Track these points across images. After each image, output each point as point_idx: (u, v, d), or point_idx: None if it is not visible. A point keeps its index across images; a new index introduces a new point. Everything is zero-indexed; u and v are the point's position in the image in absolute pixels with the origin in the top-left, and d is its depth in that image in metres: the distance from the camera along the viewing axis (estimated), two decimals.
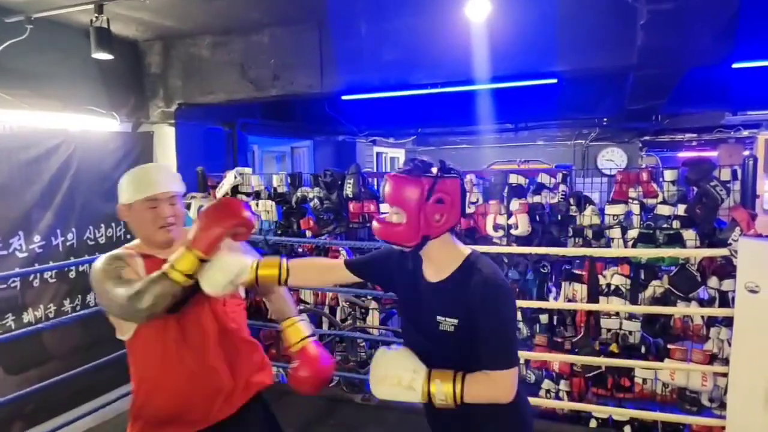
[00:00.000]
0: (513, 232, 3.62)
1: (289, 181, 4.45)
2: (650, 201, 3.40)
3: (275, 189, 4.48)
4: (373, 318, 4.18)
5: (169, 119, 4.50)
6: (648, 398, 3.50)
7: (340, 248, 4.27)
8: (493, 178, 3.85)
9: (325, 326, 4.35)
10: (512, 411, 1.53)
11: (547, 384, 3.68)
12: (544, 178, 3.67)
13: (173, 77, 4.39)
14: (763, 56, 4.22)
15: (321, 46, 3.91)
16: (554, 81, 5.12)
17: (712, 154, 10.93)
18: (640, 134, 8.98)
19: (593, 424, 3.54)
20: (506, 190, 3.73)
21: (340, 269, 1.77)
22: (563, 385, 3.63)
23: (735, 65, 4.30)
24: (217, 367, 1.76)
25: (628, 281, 3.42)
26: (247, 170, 4.52)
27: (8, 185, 3.42)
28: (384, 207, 4.13)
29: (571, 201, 3.58)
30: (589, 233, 3.50)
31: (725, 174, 3.21)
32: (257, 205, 4.49)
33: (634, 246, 3.36)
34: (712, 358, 3.27)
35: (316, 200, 4.27)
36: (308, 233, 4.32)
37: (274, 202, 4.40)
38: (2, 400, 2.98)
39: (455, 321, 1.50)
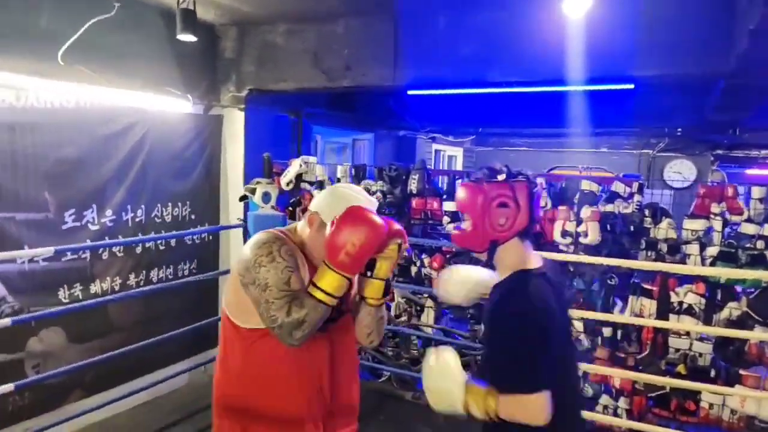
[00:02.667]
0: (582, 240, 3.49)
1: (353, 173, 4.44)
2: (734, 218, 3.20)
3: (339, 180, 4.49)
4: (428, 316, 4.13)
5: (239, 104, 4.57)
6: (713, 424, 3.31)
7: None
8: (564, 184, 3.71)
9: None
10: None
11: (605, 399, 3.55)
12: (618, 187, 3.52)
13: (246, 63, 4.45)
14: None
15: (396, 37, 3.87)
16: (631, 86, 4.91)
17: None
18: (712, 147, 8.54)
19: None
20: (577, 197, 3.60)
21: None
22: (622, 402, 3.49)
23: None
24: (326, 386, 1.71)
25: (703, 300, 3.24)
26: (312, 159, 4.55)
27: (86, 159, 3.54)
28: (447, 205, 4.07)
29: (646, 212, 3.42)
30: (663, 247, 3.33)
31: None
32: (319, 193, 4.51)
33: (713, 264, 3.18)
34: None
35: (379, 193, 4.24)
36: None
37: None
38: (64, 369, 3.09)
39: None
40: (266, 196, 4.22)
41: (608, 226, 3.47)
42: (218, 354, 1.74)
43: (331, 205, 1.59)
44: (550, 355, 1.43)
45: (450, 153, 9.84)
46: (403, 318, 4.17)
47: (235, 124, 4.65)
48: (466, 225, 1.58)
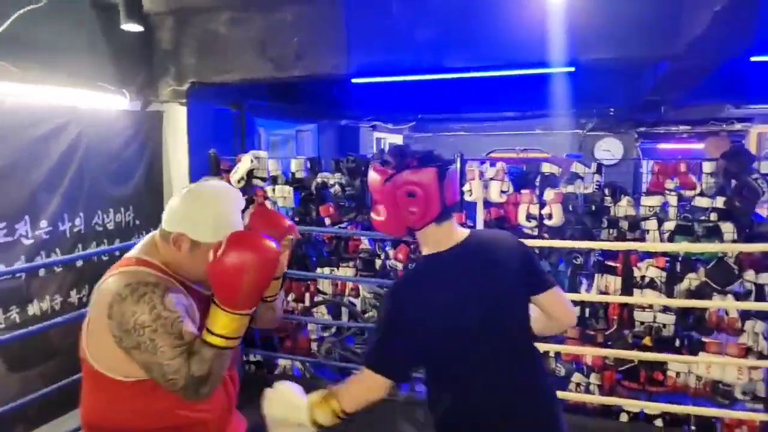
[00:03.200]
0: (547, 222, 3.53)
1: (308, 165, 4.27)
2: (688, 193, 3.35)
3: (293, 174, 4.31)
4: None
5: (180, 98, 4.26)
6: (680, 391, 3.47)
7: (362, 237, 4.14)
8: (525, 167, 3.75)
9: (344, 317, 4.22)
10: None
11: (577, 377, 3.63)
12: (578, 168, 3.59)
13: (186, 54, 4.15)
14: None
15: (348, 23, 3.73)
16: (572, 69, 5.04)
17: (698, 146, 11.09)
18: (636, 125, 9.01)
19: (624, 417, 3.51)
20: (538, 179, 3.64)
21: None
22: (594, 378, 3.59)
23: (754, 58, 4.29)
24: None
25: (664, 273, 3.37)
26: (263, 154, 4.34)
27: (13, 165, 3.16)
28: None
29: (606, 191, 3.50)
30: (624, 225, 3.44)
31: (766, 167, 3.17)
32: (273, 190, 4.31)
33: (671, 238, 3.31)
34: (747, 351, 3.25)
35: (337, 186, 4.11)
36: (327, 221, 4.17)
37: (291, 188, 4.23)
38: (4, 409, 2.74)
39: None
40: None
41: (570, 207, 3.53)
42: (83, 414, 1.45)
43: (195, 218, 1.37)
44: (392, 339, 1.49)
45: (390, 141, 9.79)
46: (370, 313, 4.09)
47: (176, 121, 4.34)
48: (382, 212, 1.52)
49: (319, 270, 4.25)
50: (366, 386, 1.49)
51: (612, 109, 6.97)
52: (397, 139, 10.25)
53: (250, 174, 4.26)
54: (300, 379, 4.20)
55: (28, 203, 3.25)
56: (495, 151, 9.37)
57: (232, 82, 4.10)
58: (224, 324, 1.29)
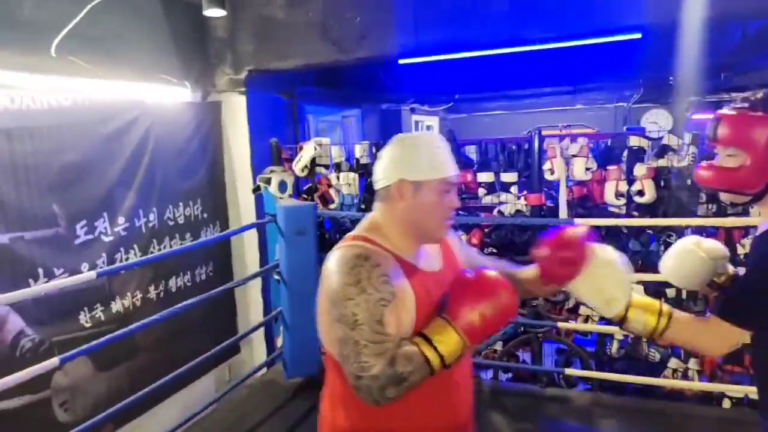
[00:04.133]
0: (638, 199, 3.36)
1: (373, 150, 4.14)
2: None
3: (357, 160, 4.18)
4: None
5: (238, 87, 4.15)
6: None
7: None
8: (610, 141, 3.56)
9: None
10: None
11: (674, 363, 3.47)
12: (671, 140, 3.39)
13: (242, 41, 4.02)
14: None
15: None
16: (639, 35, 4.80)
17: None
18: (685, 94, 8.68)
19: (727, 404, 3.32)
20: (625, 154, 3.46)
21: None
22: (693, 364, 3.42)
23: None
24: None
25: None
26: (326, 140, 4.21)
27: (90, 162, 3.09)
28: (481, 176, 3.85)
29: (704, 164, 3.30)
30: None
31: None
32: (338, 178, 4.20)
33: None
34: None
35: None
36: None
37: (356, 174, 4.11)
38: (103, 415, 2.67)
39: None
40: (283, 185, 3.89)
41: (662, 182, 3.34)
42: (326, 390, 1.42)
43: (409, 159, 1.29)
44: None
45: (427, 123, 9.61)
46: None
47: (234, 110, 4.23)
48: (733, 162, 1.31)
49: None
50: (721, 338, 1.30)
51: (671, 78, 6.63)
52: (434, 121, 10.06)
53: (312, 162, 4.15)
54: None
55: (105, 200, 3.19)
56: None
57: (292, 68, 3.96)
58: (447, 340, 1.19)
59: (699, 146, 3.33)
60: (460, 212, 4.14)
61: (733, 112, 1.33)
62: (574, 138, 3.55)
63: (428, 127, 9.71)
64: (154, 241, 3.53)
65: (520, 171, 3.67)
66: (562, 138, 3.62)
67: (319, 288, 1.30)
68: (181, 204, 3.76)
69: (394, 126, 7.78)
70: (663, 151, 3.40)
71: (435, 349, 1.17)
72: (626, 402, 3.34)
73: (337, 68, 5.59)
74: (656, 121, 8.77)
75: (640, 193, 3.33)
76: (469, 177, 3.79)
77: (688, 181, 3.31)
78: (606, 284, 1.33)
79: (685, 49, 5.77)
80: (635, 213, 3.41)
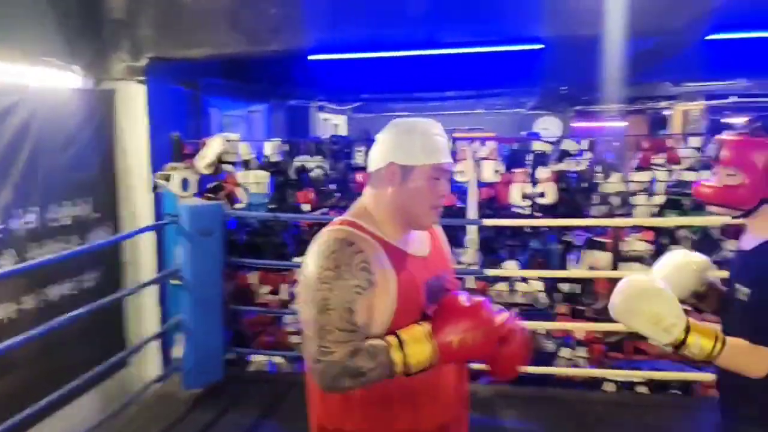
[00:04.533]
0: (540, 201, 3.54)
1: (286, 149, 4.02)
2: (675, 167, 3.46)
3: (268, 158, 4.03)
4: None
5: (136, 75, 3.84)
6: (662, 359, 3.64)
7: None
8: (517, 146, 3.72)
9: None
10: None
11: (564, 352, 3.70)
12: (569, 145, 3.61)
13: (143, 25, 3.72)
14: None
15: None
16: (541, 47, 5.07)
17: (622, 123, 11.78)
18: (572, 103, 9.36)
19: (609, 387, 3.62)
20: (530, 158, 3.63)
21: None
22: (582, 352, 3.67)
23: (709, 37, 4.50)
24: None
25: (651, 247, 3.48)
26: (234, 136, 4.01)
27: None
28: None
29: (597, 168, 3.56)
30: (615, 200, 3.51)
31: (694, 141, 3.34)
32: (245, 175, 4.03)
33: (660, 213, 3.42)
34: None
35: (318, 170, 3.90)
36: (306, 207, 3.96)
37: (267, 173, 3.97)
38: None
39: (748, 291, 1.43)
40: (186, 183, 3.66)
41: (562, 185, 3.55)
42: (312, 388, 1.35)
43: (401, 143, 1.27)
44: None
45: (335, 121, 9.56)
46: None
47: (130, 101, 3.91)
48: (732, 180, 1.43)
49: (297, 259, 4.04)
50: (761, 361, 1.36)
51: (564, 88, 7.09)
52: (341, 120, 10.03)
53: (219, 159, 3.94)
54: (276, 375, 4.00)
55: None
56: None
57: (198, 58, 3.74)
58: (418, 348, 1.16)
59: (595, 152, 3.59)
60: None
61: (736, 137, 1.45)
62: (483, 141, 3.67)
63: (335, 126, 9.67)
64: (34, 244, 3.15)
65: None
66: (471, 141, 3.73)
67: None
68: (67, 202, 3.41)
69: (302, 123, 7.66)
70: (562, 155, 3.62)
71: (403, 350, 1.16)
72: (525, 391, 3.50)
73: (245, 61, 5.37)
74: (547, 127, 9.37)
75: (543, 195, 3.52)
76: None
77: (585, 184, 3.55)
78: (662, 311, 1.36)
79: (580, 62, 6.21)
80: (537, 213, 3.59)
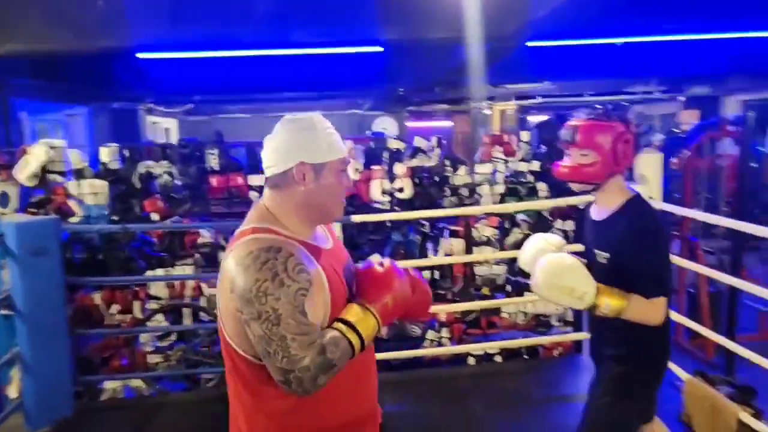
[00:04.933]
0: (399, 195, 3.71)
1: (126, 155, 3.66)
2: (510, 159, 3.88)
3: (104, 165, 3.64)
4: None
5: None
6: (512, 329, 4.05)
7: (202, 231, 3.74)
8: (373, 144, 3.85)
9: (187, 321, 3.78)
10: (657, 335, 1.72)
11: (431, 334, 3.94)
12: (420, 142, 3.83)
13: None
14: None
15: None
16: (380, 49, 5.30)
17: (448, 123, 12.87)
18: (407, 104, 9.92)
19: (471, 361, 3.94)
20: (386, 155, 3.78)
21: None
22: (445, 332, 3.94)
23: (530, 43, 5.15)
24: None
25: (497, 231, 3.86)
26: (59, 143, 3.56)
27: None
28: (253, 179, 3.75)
29: (447, 163, 3.83)
30: (464, 192, 3.82)
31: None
32: (79, 186, 3.58)
33: (502, 200, 3.80)
34: None
35: (166, 176, 3.62)
36: (155, 216, 3.65)
37: (105, 182, 3.57)
38: None
39: (607, 255, 1.69)
40: (4, 198, 3.18)
41: (417, 180, 3.76)
42: (237, 412, 1.31)
43: (307, 142, 1.25)
44: (669, 262, 1.72)
45: (165, 125, 8.90)
46: None
47: None
48: (586, 160, 1.65)
49: (150, 273, 3.71)
50: (656, 311, 1.61)
51: (401, 90, 7.48)
52: (172, 124, 9.39)
53: (43, 168, 3.46)
54: (135, 399, 3.65)
55: None
56: None
57: (13, 53, 3.22)
58: (367, 323, 1.23)
59: (442, 148, 3.86)
60: (229, 218, 3.97)
61: (585, 122, 1.67)
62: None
63: (166, 130, 9.02)
64: None
65: None
66: None
67: (219, 288, 1.23)
68: None
69: (129, 127, 7.02)
70: (415, 152, 3.83)
71: (356, 332, 1.20)
72: (397, 376, 3.67)
73: (60, 58, 4.76)
74: (385, 127, 9.81)
75: (401, 189, 3.69)
76: (240, 180, 3.66)
77: (436, 178, 3.80)
78: (574, 283, 1.56)
79: (417, 65, 6.62)
80: (397, 208, 3.76)
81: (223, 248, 3.77)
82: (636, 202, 1.71)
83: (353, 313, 1.23)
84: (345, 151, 1.33)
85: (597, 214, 1.79)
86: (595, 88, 9.91)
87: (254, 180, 3.71)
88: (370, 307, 1.24)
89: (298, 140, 1.25)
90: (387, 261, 1.35)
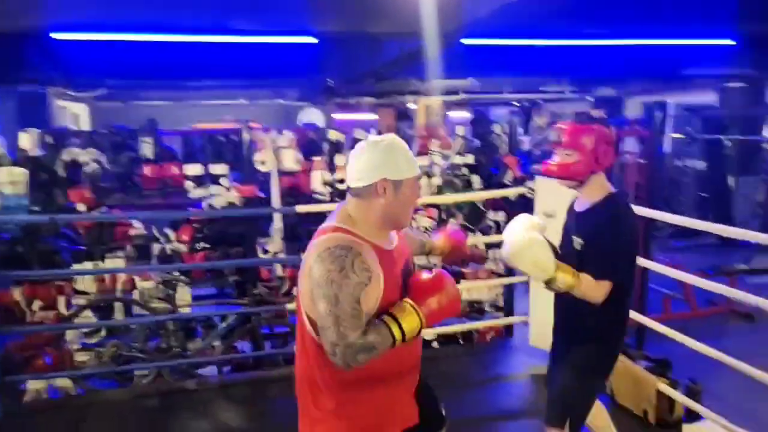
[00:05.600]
0: (340, 186, 3.74)
1: (48, 141, 3.42)
2: (446, 152, 4.03)
3: (24, 152, 3.39)
4: (184, 294, 3.70)
5: None
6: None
7: (134, 222, 3.59)
8: (313, 135, 3.85)
9: (119, 315, 3.61)
10: (616, 318, 1.92)
11: None
12: (360, 134, 3.88)
13: None
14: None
15: None
16: (315, 41, 5.28)
17: (373, 115, 12.98)
18: (334, 96, 9.88)
19: None
20: (326, 147, 3.80)
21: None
22: None
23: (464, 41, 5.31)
24: None
25: (434, 222, 4.00)
26: None
27: None
28: (189, 169, 3.64)
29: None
30: None
31: (498, 128, 4.07)
32: None
33: (440, 191, 3.94)
34: (492, 274, 4.17)
35: (94, 164, 3.43)
36: (82, 206, 3.45)
37: (26, 171, 3.33)
38: None
39: (582, 241, 1.85)
40: None
41: None
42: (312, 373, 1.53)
43: (389, 161, 1.47)
44: (632, 254, 1.86)
45: (74, 110, 8.30)
46: (159, 305, 3.62)
47: None
48: (568, 159, 1.82)
49: (76, 266, 3.52)
50: (600, 291, 1.77)
51: (331, 80, 7.45)
52: (81, 109, 8.79)
53: None
54: (62, 400, 3.46)
55: None
56: (201, 122, 8.96)
57: None
58: (411, 321, 1.41)
59: None
60: (164, 209, 3.83)
61: (571, 125, 1.85)
62: (279, 130, 3.71)
63: (76, 116, 8.43)
64: None
65: (231, 163, 3.63)
66: (266, 129, 3.73)
67: (301, 273, 1.46)
68: None
69: (37, 112, 6.47)
70: (355, 143, 3.87)
71: (400, 327, 1.40)
72: None
73: None
74: (312, 119, 9.74)
75: (342, 180, 3.73)
76: (175, 170, 3.54)
77: None
78: (540, 257, 1.73)
79: (345, 58, 6.62)
80: (337, 199, 3.79)
81: (157, 240, 3.65)
82: (615, 198, 1.90)
83: (401, 309, 1.43)
84: (418, 168, 1.53)
85: (580, 206, 1.97)
86: (513, 86, 10.39)
87: (190, 170, 3.61)
88: (417, 308, 1.42)
89: (380, 159, 1.46)
90: (439, 270, 1.52)
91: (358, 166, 1.49)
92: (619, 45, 7.45)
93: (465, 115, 13.50)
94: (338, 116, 11.06)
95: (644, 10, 5.10)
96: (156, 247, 3.63)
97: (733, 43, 6.75)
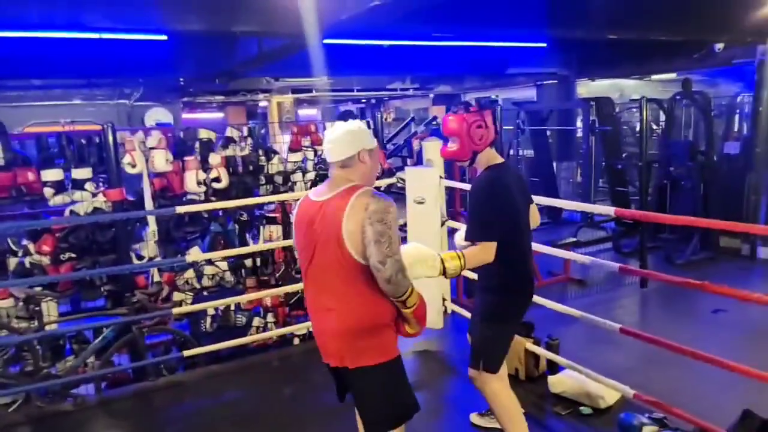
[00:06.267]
0: (216, 185, 3.73)
1: None
2: (319, 148, 4.19)
3: None
4: (50, 310, 3.41)
5: None
6: None
7: None
8: (183, 134, 3.77)
9: None
10: (515, 270, 2.24)
11: (256, 321, 4.06)
12: (233, 132, 3.89)
13: None
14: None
15: None
16: (164, 38, 5.08)
17: (221, 114, 12.69)
18: (182, 95, 9.43)
19: (296, 341, 4.16)
20: (197, 146, 3.76)
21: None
22: (270, 317, 4.10)
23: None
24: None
25: None
26: None
27: None
28: (47, 174, 3.36)
29: (260, 152, 3.97)
30: (278, 179, 4.01)
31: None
32: None
33: (314, 184, 4.10)
34: None
35: None
36: None
37: None
38: None
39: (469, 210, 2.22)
40: None
41: (231, 169, 3.84)
42: (345, 296, 1.82)
43: (361, 135, 1.86)
44: (503, 215, 2.14)
45: None
46: (22, 324, 3.30)
47: None
48: (453, 145, 2.19)
49: None
50: (487, 252, 2.08)
51: (182, 79, 7.14)
52: None
53: None
54: None
55: None
56: (34, 125, 8.02)
57: None
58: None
59: (254, 138, 3.98)
60: (17, 219, 3.50)
61: (446, 117, 2.20)
62: (147, 131, 3.59)
63: None
64: None
65: (94, 166, 3.42)
66: (134, 131, 3.58)
67: (346, 218, 1.74)
68: None
69: None
70: (227, 142, 3.88)
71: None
72: (228, 367, 3.70)
73: None
74: (160, 118, 9.20)
75: (217, 179, 3.72)
76: (31, 176, 3.25)
77: (250, 167, 3.92)
78: (426, 258, 2.03)
79: (192, 56, 6.37)
80: (213, 198, 3.77)
81: (14, 253, 3.32)
82: (489, 170, 2.23)
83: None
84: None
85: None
86: (362, 84, 10.84)
87: (49, 175, 3.34)
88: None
89: (357, 135, 1.86)
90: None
91: (341, 144, 1.86)
92: (456, 46, 8.17)
93: (313, 112, 13.78)
94: (188, 115, 10.60)
95: (478, 13, 5.68)
96: (13, 261, 3.31)
97: (544, 45, 7.81)
